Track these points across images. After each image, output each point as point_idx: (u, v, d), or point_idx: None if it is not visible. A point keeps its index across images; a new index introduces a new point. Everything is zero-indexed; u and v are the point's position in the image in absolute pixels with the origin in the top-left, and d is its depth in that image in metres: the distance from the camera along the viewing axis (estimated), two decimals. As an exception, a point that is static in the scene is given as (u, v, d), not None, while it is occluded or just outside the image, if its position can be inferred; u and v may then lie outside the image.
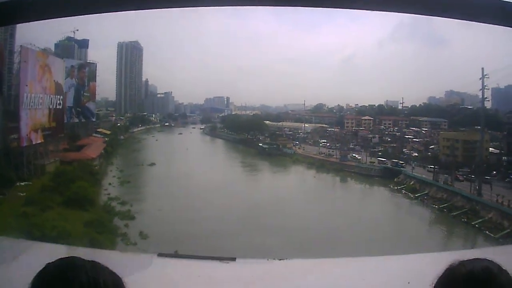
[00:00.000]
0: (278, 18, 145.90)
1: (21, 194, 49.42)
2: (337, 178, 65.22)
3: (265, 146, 78.65)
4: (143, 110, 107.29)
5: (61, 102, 61.99)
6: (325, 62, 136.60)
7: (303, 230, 41.30)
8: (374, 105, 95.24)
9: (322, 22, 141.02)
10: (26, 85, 52.48)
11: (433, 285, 1.59)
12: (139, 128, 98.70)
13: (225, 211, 46.18)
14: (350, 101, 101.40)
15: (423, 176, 59.32)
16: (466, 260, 1.57)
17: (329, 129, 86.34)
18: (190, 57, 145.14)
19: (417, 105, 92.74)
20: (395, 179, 61.15)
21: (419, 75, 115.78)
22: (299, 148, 78.10)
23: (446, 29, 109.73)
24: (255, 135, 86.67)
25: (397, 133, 78.42)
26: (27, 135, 53.59)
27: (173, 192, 52.12)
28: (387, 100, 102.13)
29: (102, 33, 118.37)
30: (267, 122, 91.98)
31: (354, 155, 71.80)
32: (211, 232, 39.77)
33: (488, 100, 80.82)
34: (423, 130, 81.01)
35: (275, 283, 3.70)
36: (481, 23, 3.35)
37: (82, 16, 3.84)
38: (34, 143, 55.06)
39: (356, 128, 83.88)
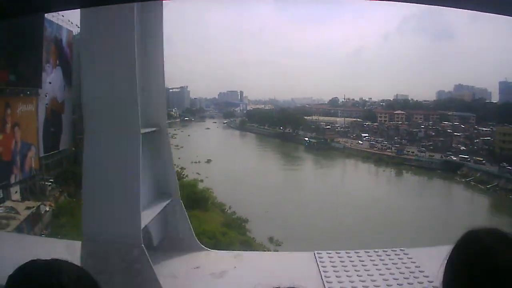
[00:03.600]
0: (282, 13, 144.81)
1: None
2: (405, 172, 65.26)
3: (312, 140, 77.41)
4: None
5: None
6: (331, 56, 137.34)
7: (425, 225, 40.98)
8: (398, 99, 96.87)
9: (327, 16, 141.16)
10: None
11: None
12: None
13: (333, 208, 44.85)
14: (358, 95, 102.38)
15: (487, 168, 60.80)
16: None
17: (365, 123, 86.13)
18: (197, 51, 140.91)
19: (442, 99, 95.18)
20: (459, 172, 62.19)
21: (427, 68, 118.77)
22: (346, 143, 77.45)
23: (454, 21, 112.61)
24: (294, 129, 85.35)
25: (438, 128, 79.49)
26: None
27: (263, 192, 49.62)
28: (397, 94, 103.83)
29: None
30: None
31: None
32: (339, 230, 38.54)
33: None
34: (455, 124, 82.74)
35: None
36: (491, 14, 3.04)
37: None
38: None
39: (394, 122, 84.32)
